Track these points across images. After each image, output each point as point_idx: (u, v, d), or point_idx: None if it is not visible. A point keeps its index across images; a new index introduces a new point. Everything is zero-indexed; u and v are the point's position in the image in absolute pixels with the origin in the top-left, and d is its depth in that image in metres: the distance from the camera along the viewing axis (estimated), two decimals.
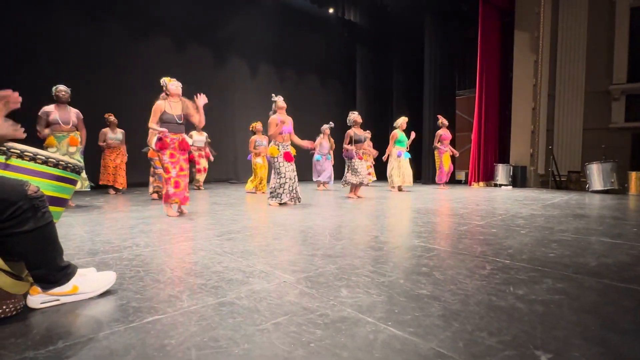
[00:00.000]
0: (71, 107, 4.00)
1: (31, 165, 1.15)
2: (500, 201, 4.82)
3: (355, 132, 5.18)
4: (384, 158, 6.49)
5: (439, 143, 7.10)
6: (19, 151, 1.13)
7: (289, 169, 4.18)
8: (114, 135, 5.67)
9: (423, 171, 9.21)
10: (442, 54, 9.06)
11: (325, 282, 1.49)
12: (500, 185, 7.79)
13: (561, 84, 7.49)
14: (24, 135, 1.14)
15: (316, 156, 6.96)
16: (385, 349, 0.96)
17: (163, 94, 3.40)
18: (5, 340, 1.01)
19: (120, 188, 5.77)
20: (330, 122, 6.68)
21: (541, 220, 3.12)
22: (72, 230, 2.69)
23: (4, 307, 1.13)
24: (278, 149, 4.15)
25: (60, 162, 1.22)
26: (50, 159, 1.19)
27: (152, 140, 3.45)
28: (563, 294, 1.35)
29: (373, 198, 5.26)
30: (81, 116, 4.08)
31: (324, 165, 6.90)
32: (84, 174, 3.97)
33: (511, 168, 7.74)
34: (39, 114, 3.83)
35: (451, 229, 2.77)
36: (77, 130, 4.04)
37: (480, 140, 8.21)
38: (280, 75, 9.86)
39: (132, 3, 7.20)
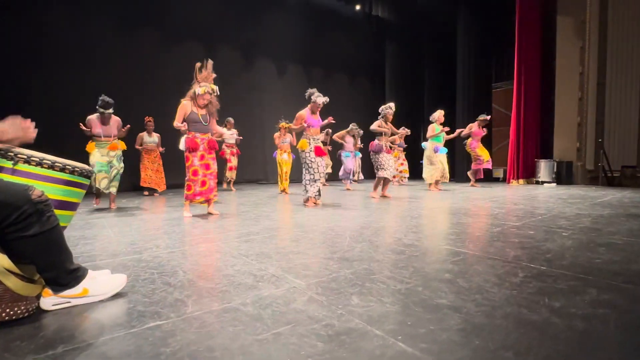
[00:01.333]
0: (113, 116, 4.19)
1: (38, 170, 1.17)
2: (541, 200, 4.46)
3: (382, 125, 5.01)
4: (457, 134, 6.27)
5: (470, 138, 6.71)
6: (25, 156, 1.15)
7: (321, 164, 4.15)
8: (151, 138, 5.92)
9: (456, 169, 8.80)
10: (476, 45, 8.61)
11: (336, 289, 1.40)
12: (543, 182, 7.26)
13: (612, 70, 6.83)
14: (34, 135, 1.16)
15: (344, 153, 6.87)
16: None
17: (191, 93, 3.36)
18: (11, 343, 1.02)
19: (159, 190, 6.03)
20: (354, 125, 6.62)
21: (587, 221, 2.82)
22: (103, 231, 2.80)
23: (16, 309, 1.15)
24: (309, 143, 4.12)
25: (67, 167, 1.23)
26: (56, 164, 1.20)
27: (181, 141, 3.51)
28: (609, 308, 1.17)
29: (403, 197, 5.07)
30: (121, 123, 4.29)
31: (348, 163, 6.78)
32: (110, 175, 4.13)
33: (555, 164, 7.18)
34: (87, 121, 4.09)
35: (483, 230, 2.57)
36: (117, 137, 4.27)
37: (519, 135, 7.70)
38: (308, 75, 9.85)
39: (163, 11, 7.50)
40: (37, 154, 1.18)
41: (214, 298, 1.34)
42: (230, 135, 6.56)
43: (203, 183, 3.41)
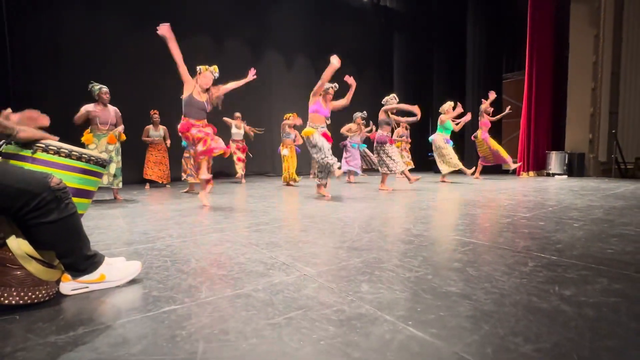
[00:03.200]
0: (110, 106, 4.19)
1: (55, 159, 1.20)
2: (552, 192, 4.41)
3: (387, 115, 4.98)
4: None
5: (480, 130, 6.65)
6: (44, 145, 1.18)
7: (327, 145, 4.08)
8: (157, 132, 5.97)
9: (465, 161, 8.72)
10: (486, 34, 8.45)
11: (346, 276, 1.42)
12: (554, 174, 7.16)
13: (628, 60, 6.65)
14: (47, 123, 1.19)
15: (352, 143, 6.74)
16: (401, 351, 0.87)
17: (196, 77, 3.38)
18: (33, 324, 1.06)
19: (164, 183, 6.09)
20: (364, 112, 6.51)
21: (600, 213, 2.79)
22: (116, 221, 2.86)
23: (37, 292, 1.19)
24: (315, 130, 4.08)
25: (84, 155, 1.26)
26: (73, 152, 1.24)
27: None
28: (620, 296, 1.17)
29: (410, 189, 5.06)
30: (119, 113, 4.25)
31: (355, 154, 6.69)
32: (111, 171, 4.14)
33: (566, 155, 7.07)
34: (82, 109, 4.06)
35: (492, 221, 2.56)
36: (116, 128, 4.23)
37: (530, 126, 7.59)
38: (316, 67, 9.78)
39: (173, 6, 7.50)
40: (55, 143, 1.21)
41: (227, 284, 1.37)
42: (239, 133, 6.59)
43: (204, 142, 3.29)
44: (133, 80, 6.72)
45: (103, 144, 4.11)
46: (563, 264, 1.52)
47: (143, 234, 2.33)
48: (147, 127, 5.96)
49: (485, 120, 6.62)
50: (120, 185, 4.28)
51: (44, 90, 5.93)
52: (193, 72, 3.47)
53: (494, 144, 6.64)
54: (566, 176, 6.94)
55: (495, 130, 7.15)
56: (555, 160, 7.17)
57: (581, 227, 2.25)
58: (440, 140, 6.13)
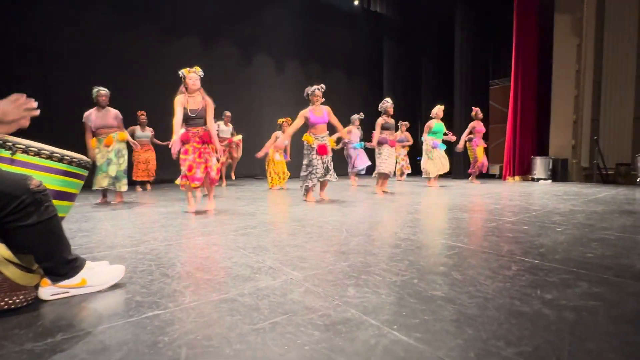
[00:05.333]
0: (110, 108, 4.06)
1: (36, 160, 1.17)
2: (536, 196, 4.50)
3: (385, 119, 5.02)
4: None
5: (472, 135, 6.79)
6: (24, 146, 1.15)
7: (319, 162, 4.06)
8: (143, 132, 5.90)
9: (454, 165, 8.84)
10: (473, 41, 8.61)
11: (333, 280, 1.42)
12: (538, 179, 7.31)
13: (608, 69, 6.86)
14: (37, 113, 1.14)
15: (353, 144, 6.69)
16: (385, 355, 0.88)
17: (182, 87, 3.29)
18: (9, 331, 1.03)
19: (151, 180, 6.04)
20: (361, 113, 6.57)
21: (581, 217, 2.85)
22: (100, 224, 2.80)
23: (15, 298, 1.16)
24: (314, 141, 4.06)
25: (65, 157, 1.23)
26: (54, 154, 1.21)
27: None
28: (600, 300, 1.19)
29: (402, 193, 5.10)
30: (120, 116, 4.12)
31: (360, 153, 6.66)
32: (110, 173, 4.05)
33: (550, 161, 7.23)
34: (83, 120, 3.95)
35: (478, 225, 2.60)
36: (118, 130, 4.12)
37: (515, 132, 7.74)
38: (306, 71, 9.82)
39: (163, 7, 7.43)
40: (35, 144, 1.18)
41: (212, 289, 1.35)
42: (227, 130, 6.55)
43: (190, 168, 3.19)
44: (120, 81, 6.62)
45: (102, 149, 3.99)
46: (545, 267, 1.55)
47: (128, 237, 2.28)
48: (133, 127, 5.88)
49: (478, 128, 6.75)
50: (125, 188, 4.12)
51: (31, 91, 5.78)
52: (178, 79, 3.35)
53: (479, 154, 6.76)
54: (550, 181, 7.10)
55: (484, 136, 7.25)
56: (539, 166, 7.33)
57: (563, 232, 2.30)
58: (429, 144, 6.21)
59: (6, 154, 1.12)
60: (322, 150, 4.06)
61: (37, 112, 1.16)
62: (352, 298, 1.24)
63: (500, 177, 8.54)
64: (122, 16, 7.00)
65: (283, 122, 6.08)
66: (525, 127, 7.76)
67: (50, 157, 1.19)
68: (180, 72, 3.25)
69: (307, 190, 4.18)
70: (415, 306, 1.16)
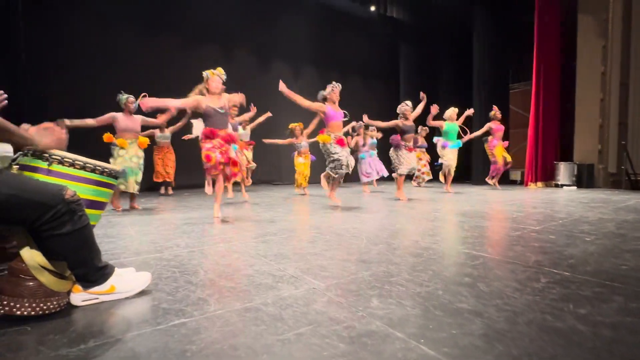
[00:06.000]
0: (135, 115, 4.24)
1: (70, 171, 1.22)
2: (561, 203, 4.36)
3: (403, 122, 5.01)
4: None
5: (490, 136, 6.67)
6: (59, 157, 1.20)
7: (344, 152, 4.04)
8: (163, 134, 6.06)
9: (473, 171, 8.67)
10: (493, 45, 8.47)
11: (355, 290, 1.41)
12: (562, 185, 7.07)
13: (636, 70, 6.61)
14: (65, 143, 1.22)
15: (360, 155, 6.71)
16: None
17: (202, 88, 3.33)
18: (45, 336, 1.07)
19: (170, 181, 6.17)
20: (359, 122, 6.58)
21: (612, 226, 2.74)
22: (124, 229, 2.88)
23: (49, 303, 1.20)
24: (331, 137, 4.06)
25: (97, 167, 1.28)
26: (87, 164, 1.25)
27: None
28: (638, 316, 1.14)
29: (419, 200, 5.03)
30: (144, 119, 4.31)
31: (371, 163, 6.64)
32: (138, 179, 4.19)
33: (575, 166, 6.99)
34: (109, 116, 4.10)
35: (501, 234, 2.53)
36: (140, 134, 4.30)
37: (537, 137, 7.53)
38: (322, 77, 9.85)
39: (183, 16, 7.66)
40: (70, 155, 1.23)
41: (235, 297, 1.36)
42: (246, 134, 6.65)
43: (217, 165, 3.22)
44: (143, 87, 6.83)
45: (132, 151, 4.14)
46: (576, 280, 1.49)
47: (151, 244, 2.34)
48: (153, 130, 6.04)
49: (495, 127, 6.62)
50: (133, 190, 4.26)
51: (57, 99, 6.05)
52: (202, 81, 3.42)
53: (498, 154, 6.62)
54: (575, 187, 6.85)
55: (504, 140, 7.10)
56: (563, 171, 7.09)
57: (593, 242, 2.21)
58: (439, 145, 6.23)
59: (43, 164, 1.17)
60: (341, 142, 4.06)
61: (65, 144, 1.23)
62: (376, 309, 1.22)
63: (522, 183, 8.31)
64: (145, 27, 7.26)
65: (295, 127, 6.15)
66: (547, 132, 7.54)
67: (83, 167, 1.24)
68: (204, 73, 3.31)
69: (334, 181, 4.14)
70: (442, 319, 1.14)
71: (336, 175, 4.09)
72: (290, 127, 6.25)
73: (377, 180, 7.10)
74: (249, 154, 6.75)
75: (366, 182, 6.67)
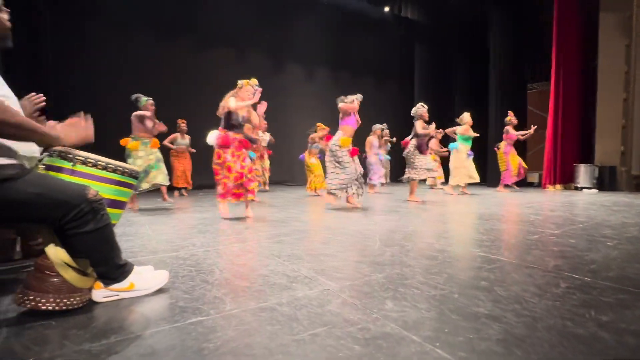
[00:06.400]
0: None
1: (93, 171, 1.26)
2: (581, 207, 4.23)
3: (423, 125, 4.97)
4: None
5: (503, 142, 6.57)
6: (83, 158, 1.24)
7: (352, 165, 4.06)
8: (183, 140, 6.17)
9: (488, 173, 8.51)
10: (510, 44, 8.31)
11: (370, 292, 1.41)
12: (582, 188, 6.87)
13: None
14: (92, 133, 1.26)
15: (373, 158, 6.70)
16: None
17: (234, 94, 3.40)
18: (68, 331, 1.10)
19: (188, 188, 6.29)
20: (384, 124, 6.53)
21: (635, 231, 2.65)
22: (141, 228, 2.95)
23: (72, 299, 1.24)
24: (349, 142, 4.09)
25: (118, 168, 1.32)
26: (109, 165, 1.29)
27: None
28: None
29: (433, 202, 4.97)
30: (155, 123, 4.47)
31: (376, 167, 6.64)
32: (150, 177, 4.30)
33: (596, 169, 6.78)
34: (140, 113, 4.24)
35: (519, 237, 2.48)
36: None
37: (556, 138, 7.34)
38: (336, 78, 9.89)
39: (198, 20, 7.81)
40: (93, 156, 1.27)
41: (250, 297, 1.38)
42: (264, 139, 6.71)
43: (237, 178, 3.29)
44: (161, 91, 6.99)
45: (149, 150, 4.27)
46: (598, 286, 1.45)
47: (168, 243, 2.38)
48: (174, 135, 6.16)
49: (510, 134, 6.51)
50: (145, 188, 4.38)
51: (79, 99, 6.23)
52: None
53: (513, 162, 6.50)
54: (596, 190, 6.65)
55: (520, 142, 6.97)
56: (584, 174, 6.90)
57: (616, 246, 2.14)
58: (463, 151, 6.04)
59: (68, 165, 1.22)
60: (354, 152, 4.09)
61: (92, 138, 1.28)
62: (391, 312, 1.22)
63: (540, 185, 8.11)
64: (162, 31, 7.42)
65: (319, 127, 6.17)
66: (567, 133, 7.35)
67: (105, 168, 1.28)
68: (239, 82, 3.38)
69: (347, 194, 4.16)
70: (458, 323, 1.12)
71: (348, 190, 4.08)
72: (318, 125, 6.23)
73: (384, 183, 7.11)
74: (267, 162, 6.81)
75: (369, 182, 6.64)
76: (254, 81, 3.43)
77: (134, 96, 4.38)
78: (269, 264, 1.83)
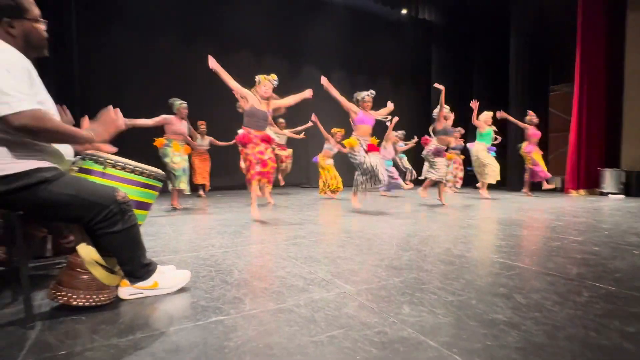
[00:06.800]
0: (184, 120, 4.55)
1: (122, 174, 1.32)
2: (606, 213, 4.09)
3: (440, 125, 4.96)
4: None
5: (525, 142, 6.41)
6: (112, 161, 1.31)
7: (371, 158, 4.03)
8: (203, 142, 6.32)
9: (508, 177, 8.32)
10: (531, 45, 8.12)
11: (386, 296, 1.41)
12: (608, 194, 6.63)
13: None
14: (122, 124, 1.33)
15: (385, 162, 6.67)
16: None
17: (253, 91, 3.48)
18: (97, 326, 1.16)
19: (207, 186, 6.45)
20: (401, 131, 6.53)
21: None
22: (163, 229, 3.03)
23: (101, 296, 1.30)
24: (358, 142, 4.09)
25: (145, 171, 1.38)
26: (136, 168, 1.35)
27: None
28: None
29: (453, 205, 4.91)
30: (192, 128, 4.67)
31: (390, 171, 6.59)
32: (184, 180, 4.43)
33: (623, 173, 6.53)
34: (164, 117, 4.38)
35: (539, 244, 2.42)
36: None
37: (580, 141, 7.11)
38: (352, 81, 9.89)
39: (216, 24, 8.00)
40: (121, 159, 1.33)
41: (269, 298, 1.41)
42: (282, 137, 6.80)
43: (264, 164, 3.36)
44: (182, 94, 7.18)
45: (181, 152, 4.43)
46: (623, 295, 1.41)
47: (188, 243, 2.45)
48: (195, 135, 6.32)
49: (531, 132, 6.35)
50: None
51: (104, 100, 6.48)
52: (249, 84, 3.59)
53: (537, 158, 6.33)
54: (623, 196, 6.40)
55: (542, 145, 6.78)
56: (609, 179, 6.65)
57: None
58: (481, 150, 5.97)
59: (99, 168, 1.28)
60: (372, 147, 4.07)
61: (123, 126, 1.33)
62: (408, 316, 1.22)
63: (562, 190, 7.87)
64: (182, 36, 7.66)
65: (337, 132, 6.22)
66: (591, 136, 7.11)
67: (133, 171, 1.34)
68: (256, 78, 3.45)
69: (357, 188, 4.18)
70: (476, 329, 1.12)
71: (361, 185, 4.10)
72: (333, 131, 6.32)
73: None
74: (289, 162, 6.86)
75: (390, 188, 6.59)
76: (273, 77, 3.49)
77: (170, 100, 4.53)
78: (286, 266, 1.86)
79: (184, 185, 4.33)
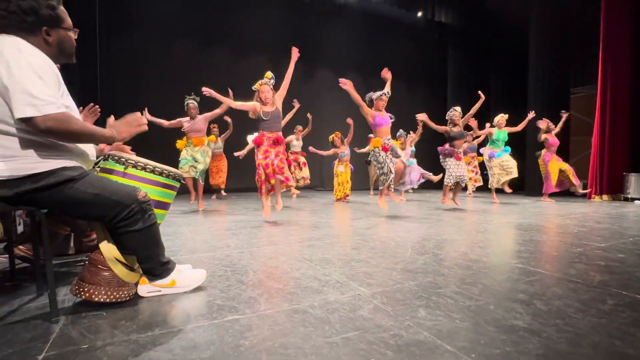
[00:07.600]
0: (198, 116, 4.65)
1: (142, 174, 1.35)
2: (631, 219, 3.94)
3: (452, 129, 4.90)
4: None
5: (544, 149, 6.26)
6: (133, 162, 1.34)
7: (386, 159, 4.04)
8: (216, 144, 6.42)
9: (527, 181, 8.12)
10: (552, 46, 7.92)
11: (402, 299, 1.40)
12: (633, 199, 6.38)
13: None
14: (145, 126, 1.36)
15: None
16: None
17: (256, 99, 3.58)
18: (118, 322, 1.19)
19: (222, 187, 6.53)
20: (409, 133, 6.49)
21: None
22: (180, 229, 3.09)
23: (121, 292, 1.34)
24: (382, 142, 4.09)
25: (164, 171, 1.41)
26: (156, 168, 1.39)
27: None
28: None
29: (470, 209, 4.82)
30: (207, 115, 4.67)
31: (408, 172, 6.52)
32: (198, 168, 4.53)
33: None
34: (177, 119, 4.58)
35: (561, 250, 2.35)
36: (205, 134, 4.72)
37: (603, 145, 6.88)
38: (367, 84, 9.85)
39: (233, 30, 8.16)
40: (142, 160, 1.37)
41: (283, 298, 1.42)
42: (298, 145, 6.84)
43: (267, 166, 3.42)
44: (198, 96, 7.36)
45: (190, 147, 4.56)
46: None
47: (204, 243, 2.49)
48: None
49: (551, 140, 6.20)
50: (202, 179, 4.63)
51: (126, 103, 6.69)
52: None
53: (553, 170, 6.17)
54: None
55: (563, 149, 6.60)
56: (635, 184, 6.40)
57: None
58: (486, 154, 5.96)
59: (120, 168, 1.32)
60: (384, 147, 4.07)
61: (146, 128, 1.36)
62: (424, 320, 1.20)
63: (584, 195, 7.62)
64: (199, 40, 7.85)
65: (334, 137, 6.25)
66: (615, 140, 6.86)
67: (152, 171, 1.37)
68: (253, 87, 3.55)
69: (383, 187, 4.16)
70: (495, 335, 1.09)
71: (386, 184, 4.11)
72: (329, 139, 6.36)
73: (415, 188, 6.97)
74: (306, 170, 6.87)
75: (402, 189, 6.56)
76: (267, 75, 3.56)
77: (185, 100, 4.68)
78: (301, 267, 1.86)
79: (186, 170, 4.38)
